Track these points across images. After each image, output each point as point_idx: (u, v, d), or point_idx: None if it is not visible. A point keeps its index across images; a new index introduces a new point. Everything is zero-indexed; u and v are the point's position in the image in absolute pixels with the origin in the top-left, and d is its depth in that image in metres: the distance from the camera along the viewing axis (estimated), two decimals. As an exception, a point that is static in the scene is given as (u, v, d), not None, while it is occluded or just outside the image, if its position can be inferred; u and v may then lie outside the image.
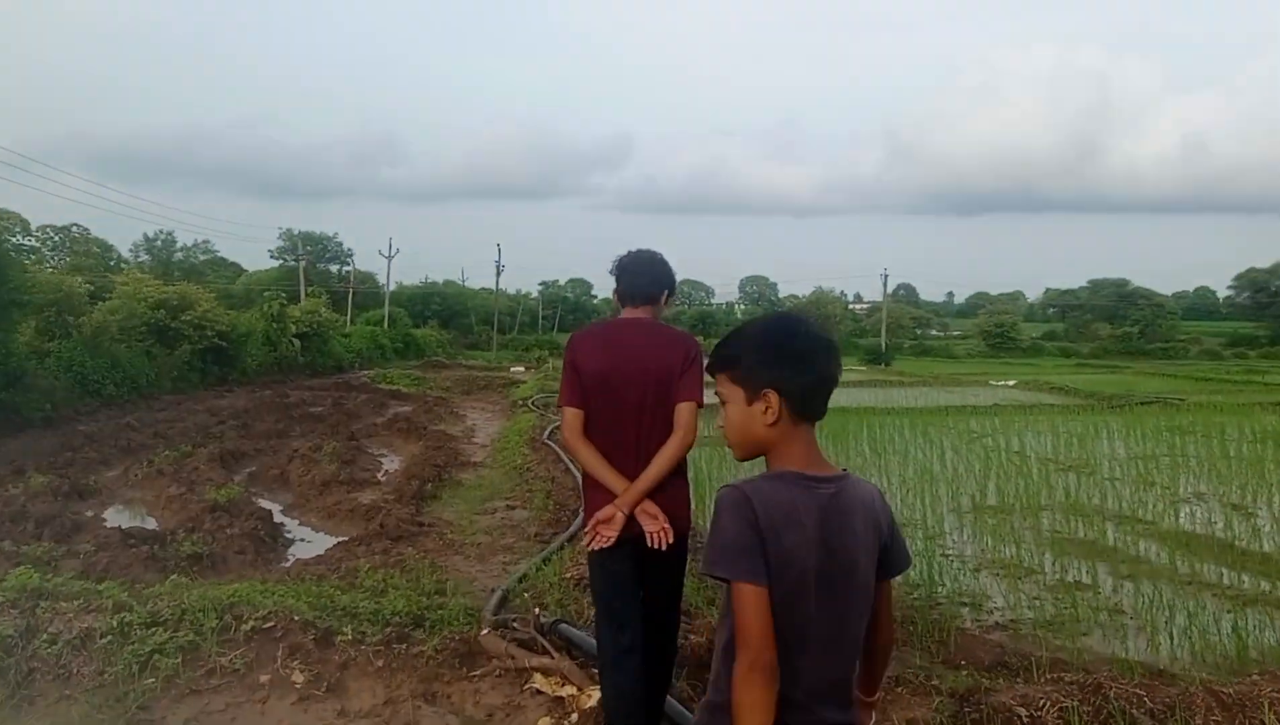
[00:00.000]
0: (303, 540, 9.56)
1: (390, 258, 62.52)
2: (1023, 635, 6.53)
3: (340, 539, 9.25)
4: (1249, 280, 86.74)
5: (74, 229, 66.82)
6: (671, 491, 3.48)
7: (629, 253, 3.65)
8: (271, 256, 78.33)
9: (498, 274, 65.41)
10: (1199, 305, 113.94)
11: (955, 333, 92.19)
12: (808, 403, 1.95)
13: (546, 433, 15.77)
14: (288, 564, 8.33)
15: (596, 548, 3.48)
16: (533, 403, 22.10)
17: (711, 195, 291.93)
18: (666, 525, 3.40)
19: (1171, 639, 6.51)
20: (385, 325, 54.55)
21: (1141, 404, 23.42)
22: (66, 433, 15.66)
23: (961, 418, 20.73)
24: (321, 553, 8.56)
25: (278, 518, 10.37)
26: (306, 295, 44.09)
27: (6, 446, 13.68)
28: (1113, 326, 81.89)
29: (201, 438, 15.36)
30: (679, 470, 3.53)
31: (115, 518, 10.12)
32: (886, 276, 72.76)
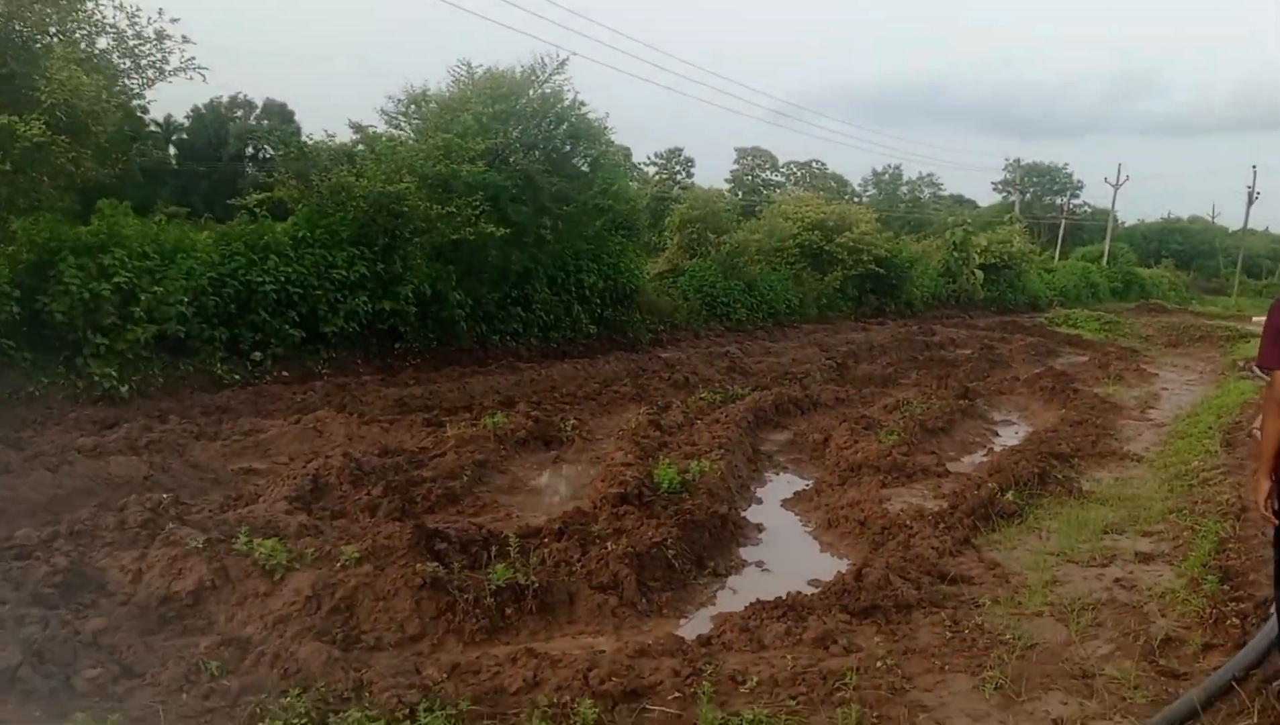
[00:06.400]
0: (751, 565, 5.93)
1: (1117, 186, 53.75)
2: None
3: (806, 581, 5.48)
4: None
5: (814, 164, 69.79)
6: None
7: None
8: (995, 189, 73.56)
9: (1248, 204, 52.49)
10: None
11: None
12: None
13: (1259, 421, 9.61)
14: (647, 628, 4.82)
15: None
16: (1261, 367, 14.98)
17: None
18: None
19: None
20: (1105, 262, 46.93)
21: None
22: (642, 359, 13.94)
23: None
24: (736, 610, 4.87)
25: (757, 516, 6.90)
26: (1004, 224, 38.87)
27: (550, 371, 12.25)
28: None
29: (777, 379, 12.44)
30: None
31: (523, 492, 7.60)
32: None
